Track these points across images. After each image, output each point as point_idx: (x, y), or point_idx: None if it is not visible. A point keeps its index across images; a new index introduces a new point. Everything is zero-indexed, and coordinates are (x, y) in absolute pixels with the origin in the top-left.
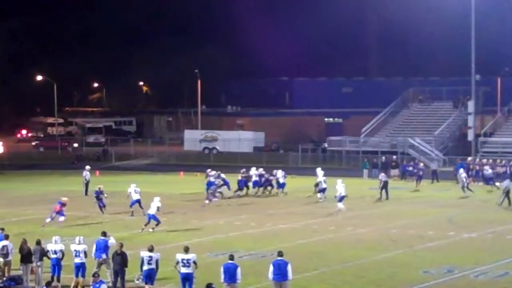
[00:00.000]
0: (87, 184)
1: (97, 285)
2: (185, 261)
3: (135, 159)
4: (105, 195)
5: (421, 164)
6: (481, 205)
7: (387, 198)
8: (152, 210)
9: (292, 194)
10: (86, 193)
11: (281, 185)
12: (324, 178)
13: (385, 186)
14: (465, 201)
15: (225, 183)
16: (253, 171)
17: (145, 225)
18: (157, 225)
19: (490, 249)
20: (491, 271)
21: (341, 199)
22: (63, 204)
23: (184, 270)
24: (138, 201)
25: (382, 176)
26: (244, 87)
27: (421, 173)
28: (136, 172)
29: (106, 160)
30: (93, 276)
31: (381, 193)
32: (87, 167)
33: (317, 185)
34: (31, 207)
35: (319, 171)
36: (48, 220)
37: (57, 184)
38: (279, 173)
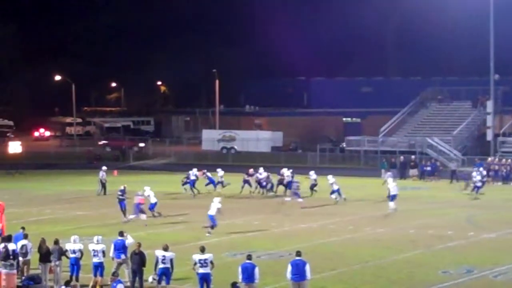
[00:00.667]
0: (104, 185)
1: (115, 285)
2: (202, 261)
3: (153, 158)
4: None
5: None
6: (501, 205)
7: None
8: (212, 211)
9: (309, 194)
10: (105, 193)
11: (288, 185)
12: (334, 180)
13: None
14: (484, 201)
15: (213, 182)
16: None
17: (209, 227)
18: (212, 227)
19: (509, 250)
20: (510, 272)
21: (393, 198)
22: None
23: (201, 270)
24: (155, 204)
25: (389, 174)
26: (262, 87)
27: (429, 168)
28: (153, 172)
29: (124, 160)
30: (112, 275)
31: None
32: (104, 167)
33: (312, 186)
34: (49, 207)
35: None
36: (131, 217)
37: (75, 184)
38: (286, 172)
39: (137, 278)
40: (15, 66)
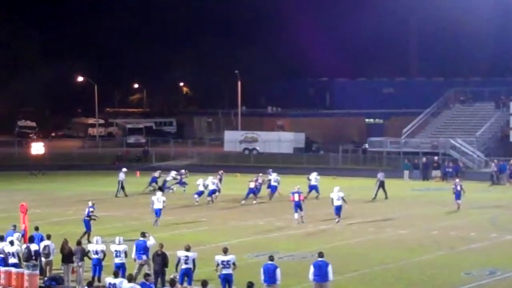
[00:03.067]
0: (123, 186)
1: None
2: (225, 263)
3: (175, 159)
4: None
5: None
6: None
7: (386, 198)
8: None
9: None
10: (125, 195)
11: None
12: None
13: (382, 185)
14: (507, 202)
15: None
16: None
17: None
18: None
19: None
20: None
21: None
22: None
23: (224, 271)
24: (159, 210)
25: (381, 175)
26: (285, 88)
27: (450, 170)
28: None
29: (147, 161)
30: (146, 276)
31: (376, 193)
32: (124, 169)
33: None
34: (72, 208)
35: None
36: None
37: (97, 184)
38: (273, 176)
39: (159, 279)
40: (37, 67)
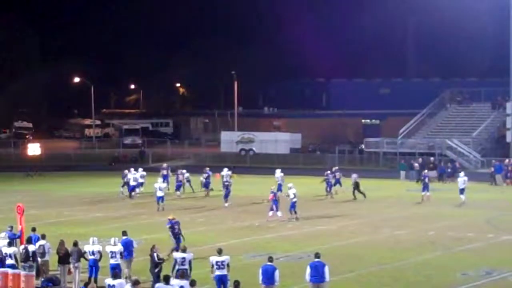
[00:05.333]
0: (128, 185)
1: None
2: (219, 263)
3: (171, 160)
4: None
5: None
6: None
7: (365, 197)
8: None
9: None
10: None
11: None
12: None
13: (357, 186)
14: (503, 203)
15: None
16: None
17: None
18: None
19: None
20: None
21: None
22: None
23: (218, 272)
24: (161, 198)
25: (354, 176)
26: (281, 88)
27: (449, 170)
28: (172, 174)
29: (143, 162)
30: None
31: (354, 193)
32: (131, 169)
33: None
34: (68, 208)
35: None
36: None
37: (94, 185)
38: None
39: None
40: (33, 68)
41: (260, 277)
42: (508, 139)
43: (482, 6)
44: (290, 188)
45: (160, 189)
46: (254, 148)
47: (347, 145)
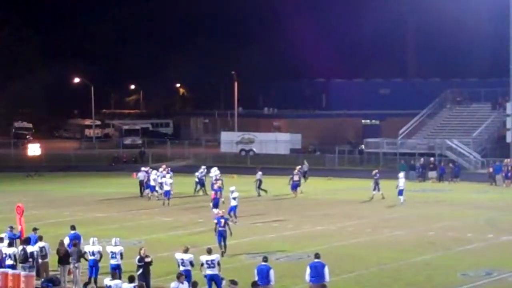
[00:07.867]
0: (141, 184)
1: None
2: (209, 262)
3: (171, 160)
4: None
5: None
6: None
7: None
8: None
9: (327, 196)
10: (141, 195)
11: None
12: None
13: (260, 184)
14: (503, 203)
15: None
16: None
17: None
18: None
19: None
20: None
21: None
22: None
23: (209, 271)
24: (168, 192)
25: (259, 174)
26: (281, 89)
27: (456, 169)
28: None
29: (143, 162)
30: (179, 275)
31: (256, 190)
32: (143, 168)
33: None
34: (68, 209)
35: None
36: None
37: (94, 186)
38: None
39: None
40: (33, 68)
41: (256, 277)
42: (508, 140)
43: (482, 6)
44: (232, 191)
45: (166, 184)
46: (254, 149)
47: (347, 145)
